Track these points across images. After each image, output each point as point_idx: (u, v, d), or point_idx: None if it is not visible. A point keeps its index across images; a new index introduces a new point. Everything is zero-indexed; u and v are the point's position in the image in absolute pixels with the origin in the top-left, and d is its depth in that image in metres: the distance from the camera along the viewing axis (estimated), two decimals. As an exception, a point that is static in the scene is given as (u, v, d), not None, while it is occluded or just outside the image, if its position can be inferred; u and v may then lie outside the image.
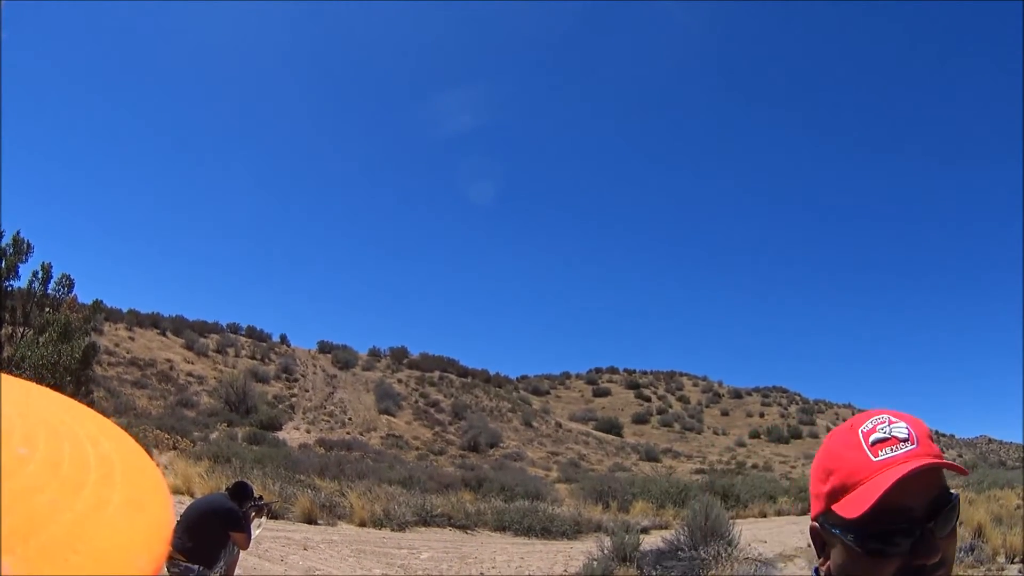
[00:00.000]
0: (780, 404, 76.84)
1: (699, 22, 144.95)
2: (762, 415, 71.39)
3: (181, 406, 35.67)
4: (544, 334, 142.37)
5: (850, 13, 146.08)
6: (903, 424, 1.05)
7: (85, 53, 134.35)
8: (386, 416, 44.41)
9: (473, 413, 48.48)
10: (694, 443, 60.48)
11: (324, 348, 57.84)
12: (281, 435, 33.73)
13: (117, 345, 42.32)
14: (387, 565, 10.57)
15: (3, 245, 13.92)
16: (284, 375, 48.80)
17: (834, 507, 1.00)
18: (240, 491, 5.73)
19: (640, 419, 65.06)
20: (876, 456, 0.99)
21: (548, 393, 70.59)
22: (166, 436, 23.50)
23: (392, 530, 13.40)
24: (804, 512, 22.77)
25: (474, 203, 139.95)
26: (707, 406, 73.78)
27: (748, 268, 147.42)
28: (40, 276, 14.47)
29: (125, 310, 49.77)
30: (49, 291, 14.58)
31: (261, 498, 6.04)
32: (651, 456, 50.90)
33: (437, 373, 57.18)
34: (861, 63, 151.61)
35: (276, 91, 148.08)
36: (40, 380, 11.73)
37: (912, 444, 1.01)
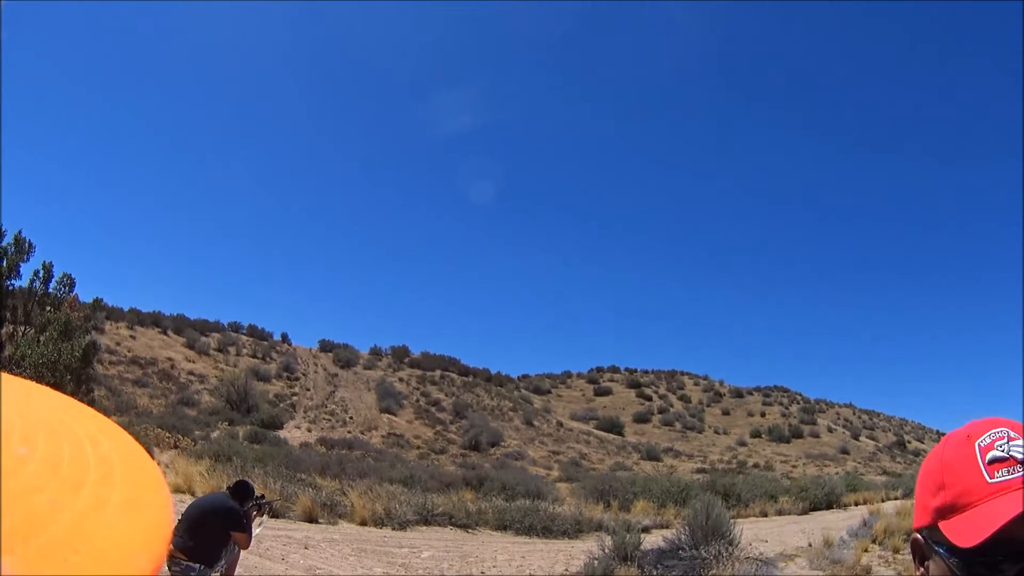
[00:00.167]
0: (781, 403, 76.78)
1: (699, 22, 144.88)
2: (763, 414, 71.33)
3: (182, 405, 35.70)
4: (545, 333, 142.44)
5: (850, 13, 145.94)
6: (1022, 443, 0.98)
7: (85, 53, 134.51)
8: (387, 415, 44.43)
9: (474, 412, 48.48)
10: (695, 442, 60.45)
11: (325, 347, 57.86)
12: (282, 434, 33.75)
13: (118, 344, 42.35)
14: (388, 564, 10.57)
15: (4, 244, 13.92)
16: (285, 374, 48.82)
17: (941, 525, 0.95)
18: (241, 490, 5.72)
19: (641, 418, 65.04)
20: (992, 477, 0.94)
21: (549, 392, 70.58)
22: (167, 435, 23.52)
23: (393, 529, 13.40)
24: (804, 512, 22.76)
25: (474, 203, 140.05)
26: (708, 405, 73.74)
27: (749, 268, 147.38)
28: (41, 275, 14.48)
29: (126, 309, 49.87)
30: (50, 290, 14.58)
31: (262, 497, 6.04)
32: (652, 455, 50.88)
33: (438, 372, 57.17)
34: (861, 63, 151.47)
35: (276, 91, 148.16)
36: (40, 378, 11.74)
37: None
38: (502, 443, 43.61)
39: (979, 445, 0.97)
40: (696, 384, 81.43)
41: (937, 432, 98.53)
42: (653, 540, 11.98)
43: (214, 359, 47.81)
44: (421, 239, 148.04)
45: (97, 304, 16.45)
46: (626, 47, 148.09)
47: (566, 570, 11.16)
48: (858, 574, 11.05)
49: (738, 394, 78.81)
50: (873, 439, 71.22)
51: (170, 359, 43.76)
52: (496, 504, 16.08)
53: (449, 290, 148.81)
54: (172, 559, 5.30)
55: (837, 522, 18.26)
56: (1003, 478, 0.93)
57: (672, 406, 70.66)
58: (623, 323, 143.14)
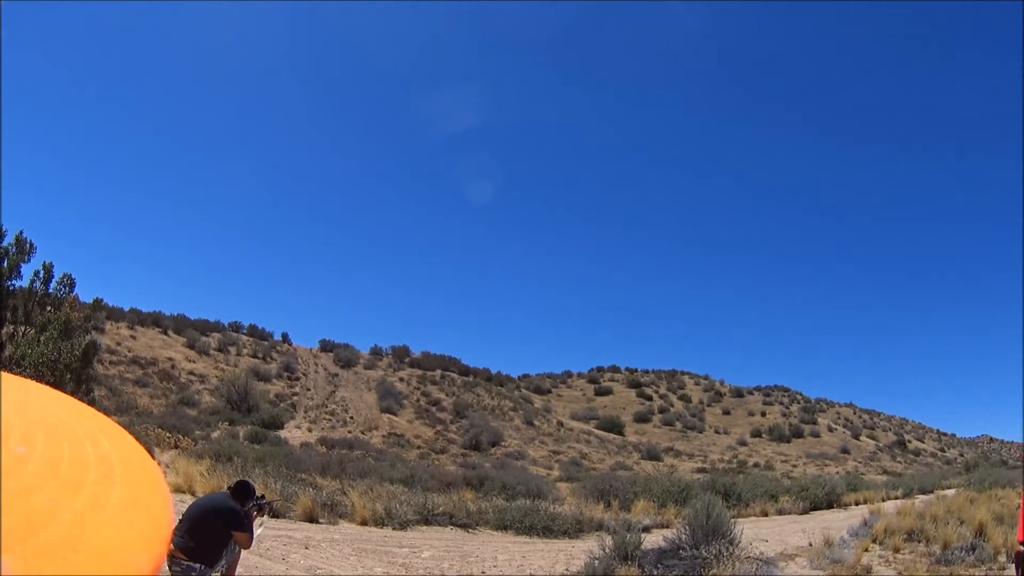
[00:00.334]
0: (781, 403, 76.79)
1: (699, 20, 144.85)
2: (763, 414, 71.34)
3: (183, 405, 35.70)
4: (545, 333, 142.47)
5: (850, 11, 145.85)
6: None
7: (85, 53, 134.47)
8: (388, 415, 44.43)
9: (475, 412, 48.48)
10: (696, 442, 60.45)
11: (326, 347, 57.87)
12: (283, 434, 33.75)
13: (119, 344, 42.35)
14: (388, 564, 10.57)
15: (5, 245, 13.93)
16: (286, 374, 48.82)
17: None
18: (242, 490, 5.73)
19: (642, 418, 65.04)
20: None
21: (550, 392, 70.59)
22: (167, 435, 23.53)
23: (394, 529, 13.40)
24: (805, 511, 22.75)
25: (474, 202, 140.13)
26: (709, 405, 73.75)
27: (749, 267, 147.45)
28: (41, 275, 14.48)
29: (127, 309, 49.93)
30: (50, 290, 14.58)
31: (263, 497, 6.04)
32: (653, 455, 50.87)
33: (439, 372, 57.17)
34: (862, 60, 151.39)
35: (276, 90, 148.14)
36: (40, 378, 11.74)
37: None
38: (502, 443, 43.61)
39: None
40: (696, 384, 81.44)
41: (937, 432, 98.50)
42: (654, 540, 11.97)
43: (214, 359, 47.82)
44: (421, 239, 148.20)
45: (97, 304, 16.45)
46: (625, 46, 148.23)
47: (567, 570, 11.16)
48: (859, 574, 11.04)
49: (738, 394, 78.82)
50: (873, 438, 71.21)
51: (170, 359, 43.77)
52: (496, 504, 16.08)
53: (449, 290, 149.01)
54: (173, 559, 5.30)
55: (838, 522, 18.26)
56: None
57: (672, 406, 70.66)
58: (623, 323, 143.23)
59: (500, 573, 10.78)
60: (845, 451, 60.94)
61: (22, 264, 14.17)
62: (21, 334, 13.73)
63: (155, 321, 49.97)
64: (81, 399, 0.55)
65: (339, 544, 11.49)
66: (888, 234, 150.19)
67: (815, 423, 68.69)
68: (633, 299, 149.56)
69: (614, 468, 40.22)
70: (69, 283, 14.84)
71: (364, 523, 13.52)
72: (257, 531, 5.88)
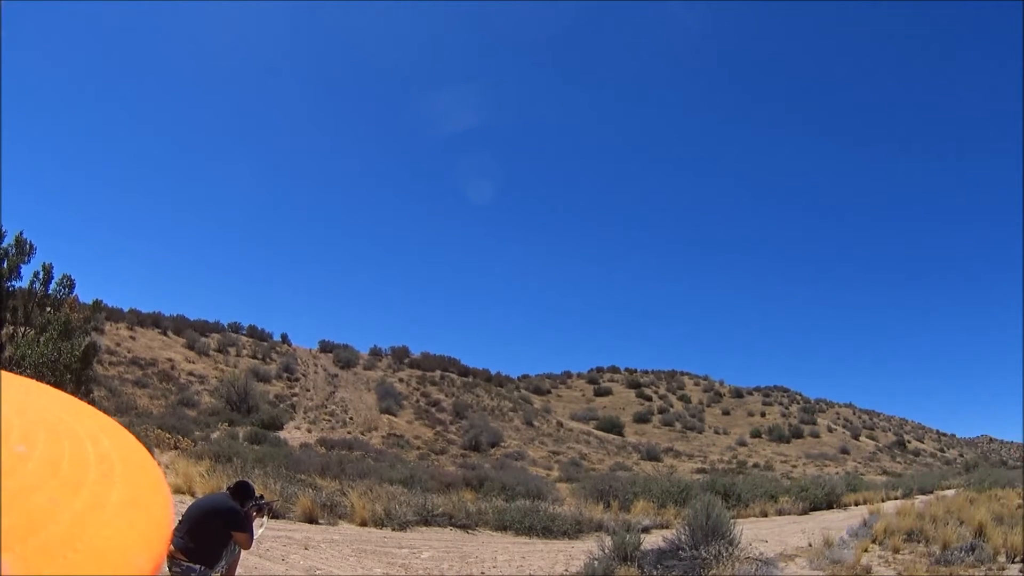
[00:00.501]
0: (781, 403, 76.79)
1: (699, 20, 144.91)
2: (763, 414, 71.34)
3: (182, 405, 35.68)
4: (545, 334, 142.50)
5: (850, 11, 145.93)
6: None
7: (85, 53, 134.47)
8: (387, 415, 44.42)
9: (474, 412, 48.48)
10: (695, 442, 60.45)
11: (325, 347, 57.86)
12: (282, 434, 33.75)
13: (118, 344, 42.35)
14: (388, 565, 10.57)
15: (5, 246, 13.93)
16: (285, 374, 48.81)
17: None
18: (242, 491, 5.72)
19: (641, 418, 65.04)
20: None
21: (549, 392, 70.58)
22: (167, 436, 23.51)
23: (393, 529, 13.40)
24: (805, 512, 22.76)
25: (474, 202, 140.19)
26: (708, 405, 73.74)
27: (749, 267, 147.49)
28: (41, 276, 14.48)
29: (126, 309, 49.93)
30: (50, 291, 14.58)
31: (262, 497, 6.04)
32: (652, 455, 50.87)
33: (438, 372, 57.17)
34: (862, 62, 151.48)
35: (276, 90, 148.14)
36: (40, 379, 11.68)
37: None
38: (502, 443, 43.61)
39: None
40: (696, 384, 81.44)
41: (937, 432, 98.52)
42: (653, 540, 11.98)
43: (214, 360, 47.82)
44: (421, 239, 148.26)
45: (97, 306, 16.46)
46: (626, 46, 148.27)
47: (566, 570, 11.16)
48: (858, 574, 11.05)
49: (738, 394, 78.83)
50: (873, 439, 71.21)
51: (170, 360, 43.76)
52: (496, 504, 16.08)
53: (449, 290, 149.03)
54: (172, 560, 5.30)
55: (837, 522, 18.26)
56: None
57: (672, 406, 70.66)
58: (623, 323, 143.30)
59: (500, 574, 10.78)
60: (845, 451, 60.94)
61: (22, 265, 14.18)
62: (21, 335, 13.74)
63: (155, 322, 49.96)
64: (81, 400, 0.54)
65: (339, 545, 11.49)
66: (888, 234, 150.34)
67: (815, 423, 68.69)
68: (632, 299, 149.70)
69: (614, 469, 40.21)
70: (69, 284, 14.84)
71: (364, 524, 13.52)
72: (257, 532, 5.87)
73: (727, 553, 10.52)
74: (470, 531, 14.48)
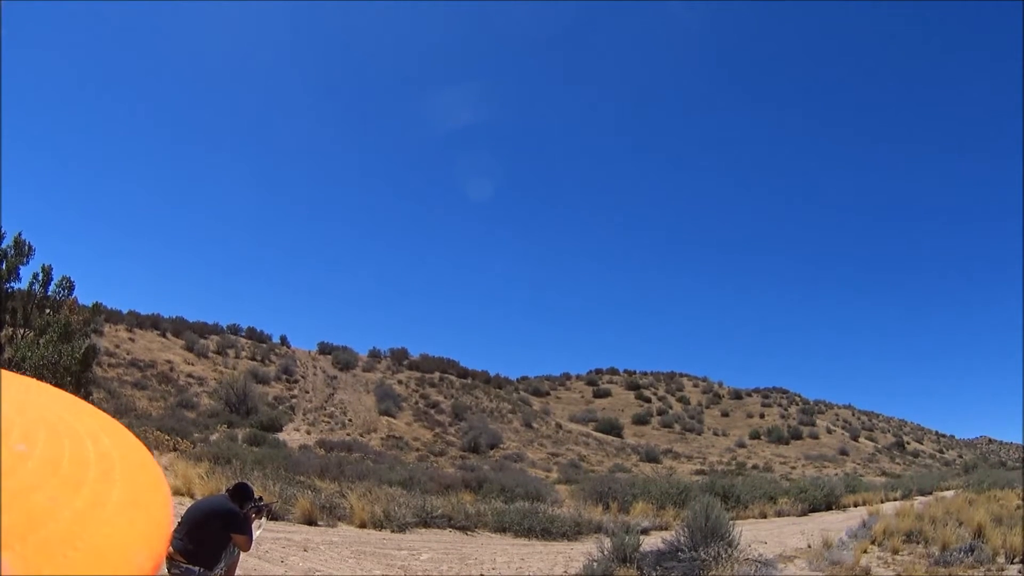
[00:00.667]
0: (780, 405, 76.78)
1: (699, 20, 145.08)
2: (762, 416, 71.33)
3: (181, 407, 35.66)
4: (544, 335, 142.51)
5: (850, 10, 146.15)
6: None
7: (85, 53, 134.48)
8: (386, 417, 44.40)
9: (473, 414, 48.46)
10: (694, 444, 60.44)
11: (324, 349, 57.83)
12: (281, 436, 33.73)
13: (117, 346, 42.32)
14: (387, 566, 10.57)
15: (4, 247, 13.93)
16: (284, 376, 48.78)
17: None
18: (241, 492, 5.72)
19: (640, 420, 65.02)
20: None
21: (548, 394, 70.54)
22: (166, 437, 23.48)
23: (392, 531, 13.39)
24: (804, 513, 22.76)
25: (473, 200, 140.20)
26: (707, 407, 73.73)
27: (748, 268, 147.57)
28: (40, 278, 14.47)
29: (125, 311, 49.91)
30: (49, 293, 14.57)
31: (261, 499, 6.03)
32: (651, 457, 50.86)
33: (437, 374, 57.16)
34: (862, 61, 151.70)
35: (275, 90, 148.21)
36: (40, 381, 11.71)
37: None
38: (501, 445, 43.60)
39: None
40: (695, 386, 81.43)
41: (936, 433, 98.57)
42: (652, 542, 11.98)
43: (213, 361, 47.79)
44: (420, 239, 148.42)
45: (97, 308, 16.46)
46: (626, 45, 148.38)
47: (565, 572, 11.16)
48: (857, 575, 11.05)
49: (737, 395, 78.83)
50: (872, 440, 71.22)
51: (169, 361, 43.72)
52: (495, 506, 16.07)
53: (448, 291, 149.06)
54: (171, 561, 5.29)
55: (836, 523, 18.26)
56: None
57: (671, 408, 70.65)
58: (622, 323, 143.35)
59: (499, 575, 10.78)
60: (844, 453, 60.94)
61: (21, 266, 14.18)
62: (20, 337, 13.73)
63: (153, 323, 49.94)
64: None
65: (338, 546, 11.48)
66: (887, 234, 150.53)
67: (814, 425, 68.69)
68: (632, 299, 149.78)
69: (613, 470, 40.21)
70: (68, 286, 14.84)
71: (363, 525, 13.51)
72: (256, 533, 5.87)
73: (726, 554, 10.52)
74: (469, 533, 14.48)
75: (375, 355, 59.47)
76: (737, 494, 22.24)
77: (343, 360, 55.06)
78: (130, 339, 45.05)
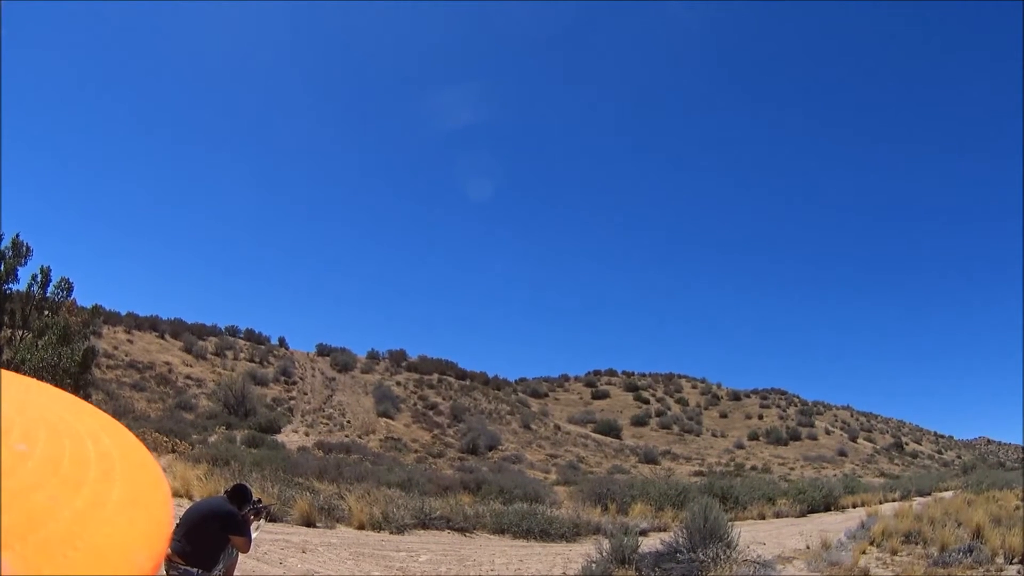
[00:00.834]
0: (779, 406, 76.81)
1: (699, 18, 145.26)
2: (761, 417, 71.35)
3: (180, 409, 35.63)
4: (542, 336, 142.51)
5: (850, 10, 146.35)
6: None
7: (85, 53, 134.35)
8: (385, 419, 44.37)
9: (472, 416, 48.44)
10: (693, 445, 60.45)
11: (323, 351, 57.81)
12: (280, 438, 33.70)
13: (116, 348, 42.27)
14: (386, 568, 10.56)
15: (2, 248, 13.91)
16: (283, 378, 48.75)
17: None
18: (239, 494, 5.71)
19: (639, 421, 65.03)
20: None
21: (547, 395, 70.53)
22: (165, 439, 23.45)
23: (391, 533, 13.38)
24: (802, 514, 22.76)
25: (473, 200, 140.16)
26: (706, 408, 73.74)
27: (747, 268, 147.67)
28: (39, 279, 14.45)
29: (124, 313, 49.85)
30: (48, 294, 14.55)
31: (260, 501, 6.03)
32: (650, 458, 50.86)
33: (436, 375, 57.14)
34: (862, 61, 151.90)
35: (275, 90, 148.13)
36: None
37: None
38: (500, 446, 43.58)
39: None
40: (694, 387, 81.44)
41: (935, 434, 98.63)
42: (651, 543, 11.98)
43: (211, 363, 47.75)
44: (419, 239, 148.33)
45: (96, 310, 16.45)
46: (625, 44, 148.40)
47: (564, 573, 11.15)
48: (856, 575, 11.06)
49: (735, 397, 78.85)
50: (871, 441, 71.28)
51: (167, 363, 43.68)
52: (494, 507, 16.07)
53: (447, 292, 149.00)
54: (170, 563, 5.29)
55: (835, 524, 18.27)
56: None
57: (670, 409, 70.65)
58: (621, 324, 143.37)
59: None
60: (842, 453, 60.98)
61: (19, 267, 14.16)
62: (19, 339, 13.71)
63: (152, 325, 49.89)
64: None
65: (336, 548, 11.47)
66: (887, 234, 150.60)
67: (812, 426, 68.73)
68: (631, 300, 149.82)
69: (611, 471, 40.21)
70: (67, 287, 14.82)
71: (361, 527, 13.50)
72: (254, 535, 5.86)
73: (725, 555, 10.52)
74: (468, 534, 14.47)
75: (373, 356, 59.45)
76: (736, 495, 22.25)
77: (341, 361, 55.05)
78: (128, 341, 45.00)
